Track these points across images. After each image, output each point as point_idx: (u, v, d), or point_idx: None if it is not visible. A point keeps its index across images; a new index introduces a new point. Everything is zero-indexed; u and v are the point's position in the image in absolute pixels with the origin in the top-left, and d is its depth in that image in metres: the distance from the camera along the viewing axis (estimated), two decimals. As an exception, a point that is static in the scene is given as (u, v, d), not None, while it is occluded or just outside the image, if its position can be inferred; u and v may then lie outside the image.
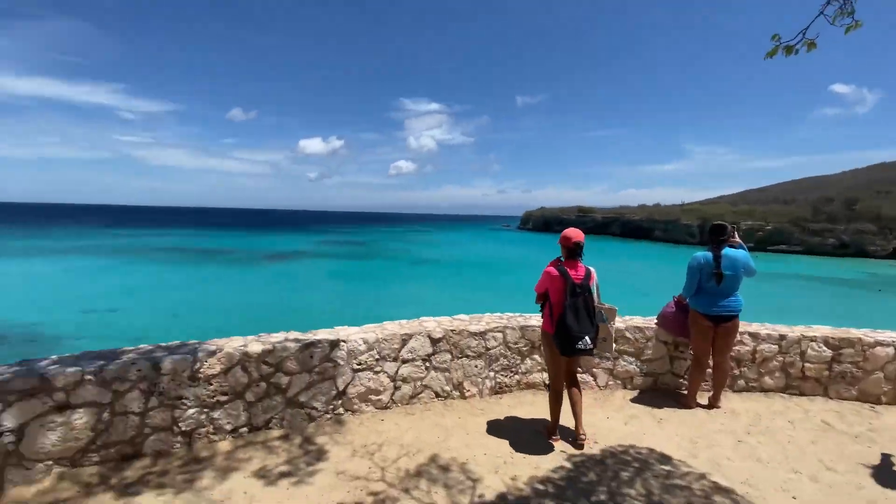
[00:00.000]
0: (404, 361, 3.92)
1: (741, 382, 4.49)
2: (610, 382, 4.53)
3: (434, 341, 4.02)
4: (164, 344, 3.48)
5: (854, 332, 4.49)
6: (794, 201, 71.44)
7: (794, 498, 2.84)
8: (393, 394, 3.90)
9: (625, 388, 4.53)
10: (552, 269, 3.36)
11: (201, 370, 3.20)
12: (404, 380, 3.93)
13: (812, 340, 4.38)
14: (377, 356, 3.80)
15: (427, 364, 4.02)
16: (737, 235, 4.07)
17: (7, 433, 2.68)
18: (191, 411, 3.19)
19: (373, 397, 3.81)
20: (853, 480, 3.06)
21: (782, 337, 4.42)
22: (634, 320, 4.70)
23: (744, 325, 4.60)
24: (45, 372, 2.79)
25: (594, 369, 4.52)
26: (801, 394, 4.42)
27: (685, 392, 4.34)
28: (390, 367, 3.87)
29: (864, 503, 2.82)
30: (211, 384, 3.23)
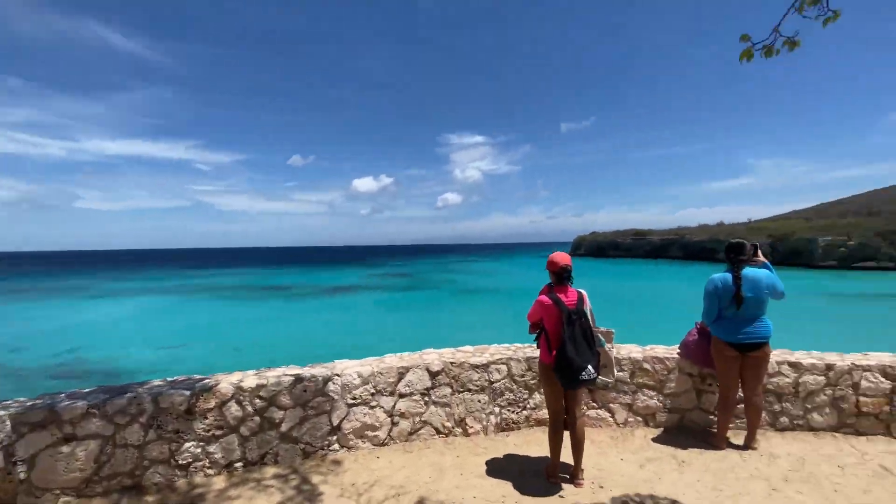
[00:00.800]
0: (402, 396, 3.85)
1: (784, 420, 3.95)
2: (630, 419, 4.16)
3: (433, 374, 3.93)
4: (170, 379, 3.66)
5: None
6: (881, 213, 64.11)
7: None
8: (390, 430, 3.82)
9: (646, 425, 4.14)
10: (544, 298, 3.20)
11: (198, 404, 3.31)
12: (402, 415, 3.84)
13: (866, 370, 3.81)
14: (372, 390, 3.76)
15: (426, 398, 3.91)
16: (760, 254, 3.69)
17: (20, 462, 2.89)
18: (187, 445, 3.29)
19: (369, 433, 3.75)
20: (916, 543, 2.55)
21: (830, 367, 3.88)
22: (656, 350, 4.34)
23: (784, 354, 4.11)
24: (56, 405, 3.01)
25: (612, 405, 4.18)
26: (859, 433, 3.82)
27: (715, 431, 3.89)
28: (387, 401, 3.80)
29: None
30: (207, 418, 3.33)
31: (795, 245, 62.14)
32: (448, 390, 3.96)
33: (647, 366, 4.12)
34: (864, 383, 3.81)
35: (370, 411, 3.75)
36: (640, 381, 4.13)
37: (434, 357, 4.10)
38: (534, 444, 3.87)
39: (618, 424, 4.15)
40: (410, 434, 3.87)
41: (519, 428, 4.11)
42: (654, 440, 3.91)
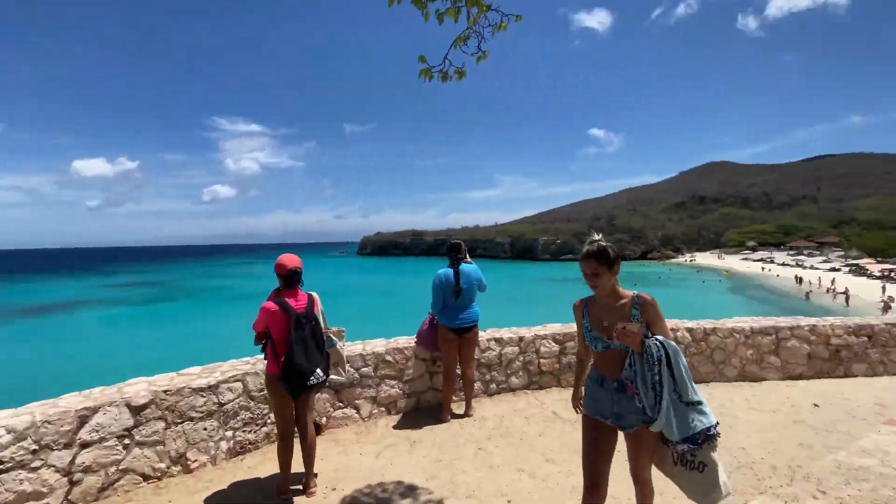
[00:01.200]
0: (86, 445, 2.98)
1: (493, 386, 4.81)
2: (374, 412, 4.33)
3: (136, 410, 3.18)
4: None
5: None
6: (576, 220, 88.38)
7: (508, 502, 2.94)
8: (68, 492, 2.91)
9: (389, 414, 4.38)
10: (270, 304, 2.98)
11: None
12: (88, 469, 2.98)
13: (543, 338, 4.97)
14: (34, 447, 2.78)
15: (126, 441, 3.14)
16: (467, 254, 4.36)
17: None
18: None
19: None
20: (565, 469, 3.27)
21: (521, 338, 4.90)
22: (397, 341, 4.63)
23: (493, 332, 4.98)
24: None
25: (357, 401, 4.26)
26: (541, 388, 4.96)
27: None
28: (60, 457, 2.88)
29: (569, 491, 2.99)
30: None
31: (525, 243, 79.66)
32: (161, 425, 3.28)
33: (389, 357, 4.36)
34: (542, 348, 4.96)
35: (31, 475, 2.77)
36: (383, 372, 4.35)
37: (141, 387, 3.34)
38: (272, 461, 3.58)
39: (363, 419, 4.26)
40: (102, 490, 3.04)
41: (258, 447, 3.76)
42: (395, 427, 4.16)
